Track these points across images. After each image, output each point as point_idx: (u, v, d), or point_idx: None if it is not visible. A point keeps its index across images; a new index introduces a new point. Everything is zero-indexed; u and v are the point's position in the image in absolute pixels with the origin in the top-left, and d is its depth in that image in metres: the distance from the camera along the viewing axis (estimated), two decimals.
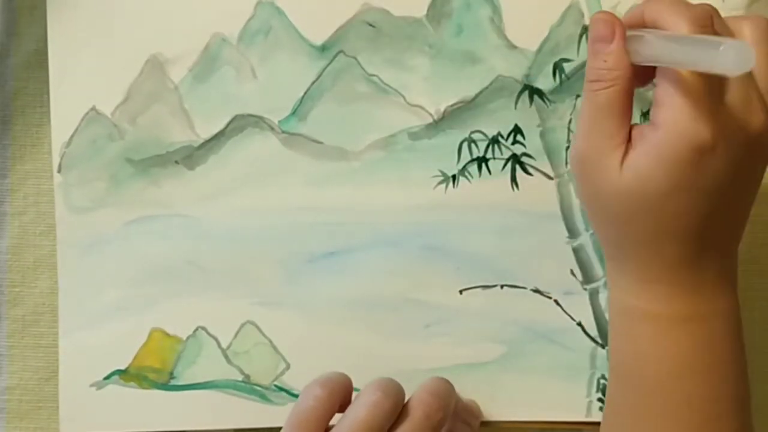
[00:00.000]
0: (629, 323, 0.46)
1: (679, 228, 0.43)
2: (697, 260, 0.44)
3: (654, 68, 0.44)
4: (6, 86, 0.59)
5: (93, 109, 0.57)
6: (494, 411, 0.56)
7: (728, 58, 0.38)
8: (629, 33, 0.45)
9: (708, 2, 0.46)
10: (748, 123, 0.42)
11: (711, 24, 0.43)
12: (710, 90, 0.42)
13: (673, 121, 0.42)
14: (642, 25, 0.45)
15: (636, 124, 0.45)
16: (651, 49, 0.43)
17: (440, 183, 0.56)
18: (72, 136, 0.57)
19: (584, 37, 0.55)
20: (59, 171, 0.57)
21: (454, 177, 0.56)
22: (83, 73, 0.57)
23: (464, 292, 0.56)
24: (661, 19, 0.44)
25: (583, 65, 0.55)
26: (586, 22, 0.55)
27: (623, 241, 0.45)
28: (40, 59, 0.57)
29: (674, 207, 0.43)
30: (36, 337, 0.58)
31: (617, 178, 0.43)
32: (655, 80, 0.44)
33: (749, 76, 0.43)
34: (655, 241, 0.44)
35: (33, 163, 0.58)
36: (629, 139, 0.44)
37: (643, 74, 0.45)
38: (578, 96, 0.55)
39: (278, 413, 0.56)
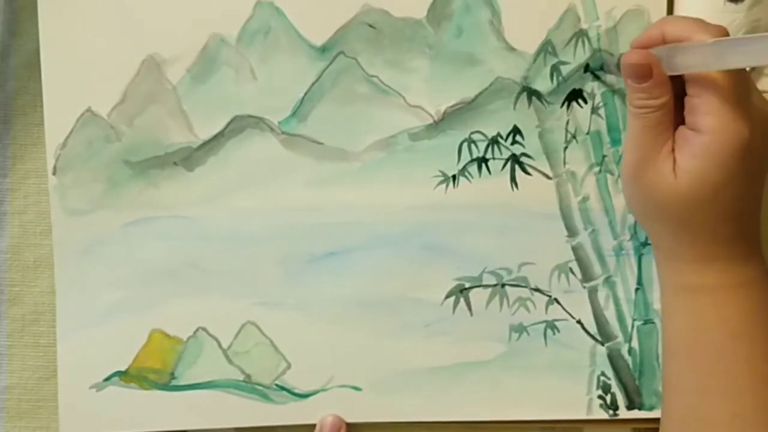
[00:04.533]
0: (691, 299, 0.49)
1: (732, 212, 0.48)
2: (745, 233, 0.49)
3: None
4: (6, 86, 0.57)
5: (88, 110, 0.55)
6: (494, 410, 0.55)
7: None
8: (661, 49, 0.48)
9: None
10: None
11: None
12: (740, 90, 0.46)
13: (716, 125, 0.46)
14: (662, 42, 0.48)
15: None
16: (700, 58, 0.46)
17: (440, 183, 0.55)
18: (67, 138, 0.55)
19: (580, 40, 0.55)
20: (54, 173, 0.55)
21: (454, 177, 0.55)
22: (78, 74, 0.55)
23: (464, 292, 0.55)
24: (687, 35, 0.47)
25: (578, 68, 0.55)
26: (583, 26, 0.54)
27: (681, 232, 0.49)
28: (40, 59, 0.55)
29: (727, 196, 0.47)
30: (36, 336, 0.57)
31: (673, 181, 0.47)
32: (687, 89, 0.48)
33: None
34: (711, 226, 0.48)
35: (33, 163, 0.57)
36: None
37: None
38: (574, 99, 0.56)
39: (279, 412, 0.55)
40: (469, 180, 0.55)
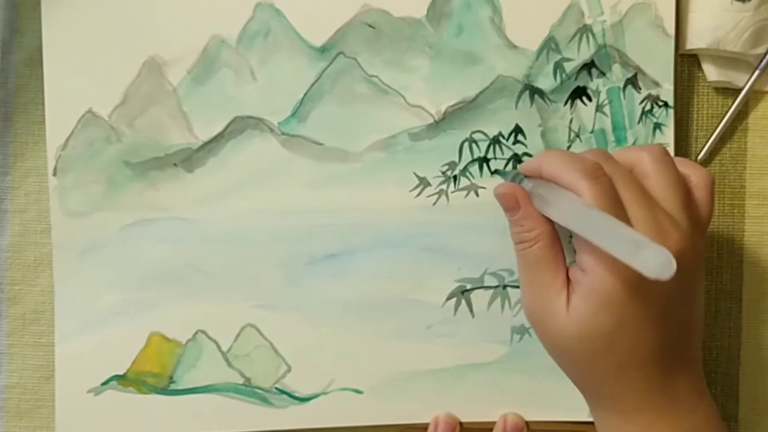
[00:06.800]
0: None
1: (637, 358, 0.43)
2: (666, 381, 0.44)
3: None
4: (8, 83, 0.57)
5: (89, 111, 0.55)
6: (496, 411, 0.54)
7: (649, 263, 0.38)
8: (538, 187, 0.46)
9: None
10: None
11: (603, 173, 0.44)
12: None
13: (597, 263, 0.43)
14: (539, 176, 0.47)
15: (571, 264, 0.45)
16: (569, 220, 0.44)
17: (441, 183, 0.54)
18: (68, 139, 0.55)
19: (584, 36, 0.54)
20: (54, 174, 0.55)
21: (455, 177, 0.54)
22: (79, 75, 0.55)
23: (466, 293, 0.55)
24: (559, 178, 0.45)
25: (584, 65, 0.54)
26: (587, 21, 0.53)
27: (590, 379, 0.45)
28: (42, 56, 0.55)
29: (626, 340, 0.43)
30: (36, 335, 0.57)
31: (566, 323, 0.44)
32: None
33: (652, 204, 0.44)
34: (619, 375, 0.44)
35: (34, 161, 0.57)
36: (569, 281, 0.45)
37: None
38: (579, 96, 0.55)
39: (279, 416, 0.55)
40: (470, 180, 0.54)
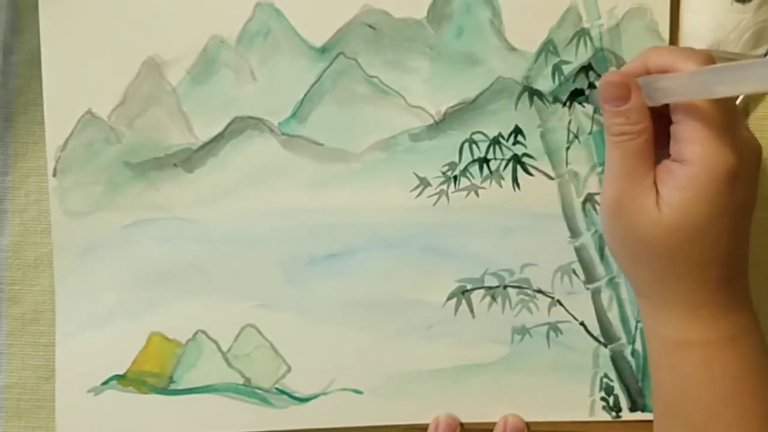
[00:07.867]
0: (677, 356, 0.46)
1: (719, 252, 0.45)
2: (733, 280, 0.46)
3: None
4: (9, 83, 0.57)
5: (89, 112, 0.55)
6: (497, 412, 0.54)
7: None
8: (642, 79, 0.46)
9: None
10: (756, 144, 0.46)
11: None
12: (727, 119, 0.44)
13: (702, 154, 0.43)
14: (645, 73, 0.47)
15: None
16: (683, 87, 0.43)
17: (441, 184, 0.54)
18: (67, 140, 0.55)
19: (582, 39, 0.54)
20: (54, 175, 0.55)
21: (455, 178, 0.54)
22: (78, 76, 0.55)
23: (466, 293, 0.55)
24: (671, 65, 0.45)
25: (581, 68, 0.54)
26: (585, 24, 0.54)
27: (665, 276, 0.46)
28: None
29: (714, 233, 0.44)
30: (35, 335, 0.56)
31: (657, 216, 0.44)
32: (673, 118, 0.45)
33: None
34: (698, 269, 0.45)
35: (35, 161, 0.56)
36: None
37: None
38: (578, 97, 0.55)
39: (279, 416, 0.54)
40: (470, 180, 0.55)
